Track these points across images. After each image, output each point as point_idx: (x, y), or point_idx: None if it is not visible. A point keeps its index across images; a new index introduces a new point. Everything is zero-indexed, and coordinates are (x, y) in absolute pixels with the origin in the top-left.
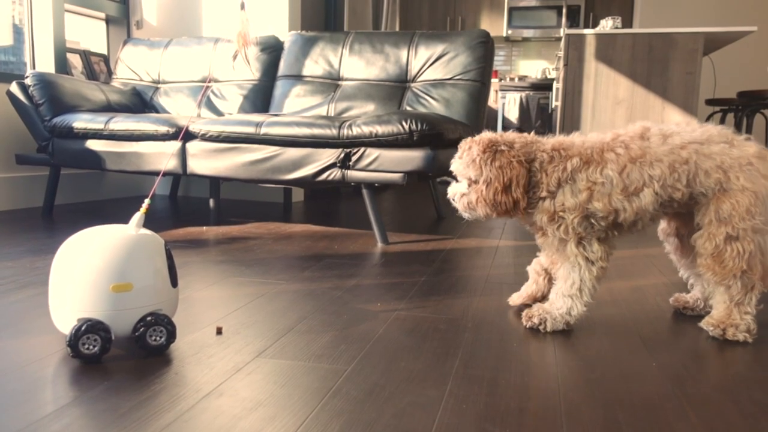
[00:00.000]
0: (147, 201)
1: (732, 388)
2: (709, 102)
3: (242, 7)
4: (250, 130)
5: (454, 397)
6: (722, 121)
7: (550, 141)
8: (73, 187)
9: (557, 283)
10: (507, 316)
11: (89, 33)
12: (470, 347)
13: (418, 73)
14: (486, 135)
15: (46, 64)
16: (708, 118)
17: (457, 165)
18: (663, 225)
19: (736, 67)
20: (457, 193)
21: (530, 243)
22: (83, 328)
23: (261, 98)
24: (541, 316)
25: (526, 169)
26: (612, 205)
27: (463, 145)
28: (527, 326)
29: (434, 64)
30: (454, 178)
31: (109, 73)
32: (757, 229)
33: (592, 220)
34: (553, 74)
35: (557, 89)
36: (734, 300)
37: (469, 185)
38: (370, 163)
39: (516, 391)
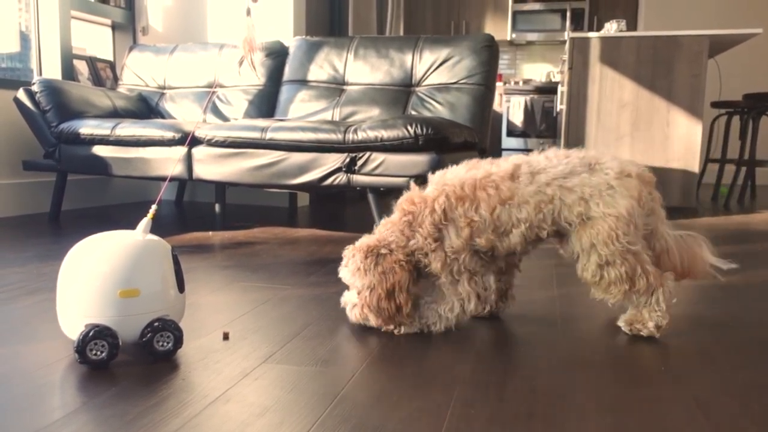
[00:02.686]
0: (154, 207)
1: (742, 393)
2: (715, 104)
3: (248, 13)
4: (256, 135)
5: (462, 402)
6: (728, 123)
7: (400, 206)
8: (79, 192)
9: (437, 298)
10: (514, 320)
11: (95, 39)
12: (477, 352)
13: (422, 77)
14: (366, 240)
15: (52, 70)
16: (714, 121)
17: (344, 273)
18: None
19: (741, 69)
20: (348, 303)
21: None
22: (91, 333)
23: (266, 103)
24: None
25: (410, 272)
26: (489, 242)
27: (347, 253)
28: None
29: (439, 69)
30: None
31: (115, 79)
32: (628, 248)
33: (481, 254)
34: (557, 77)
35: (562, 93)
36: (640, 305)
37: (359, 294)
38: (376, 168)
39: (524, 395)
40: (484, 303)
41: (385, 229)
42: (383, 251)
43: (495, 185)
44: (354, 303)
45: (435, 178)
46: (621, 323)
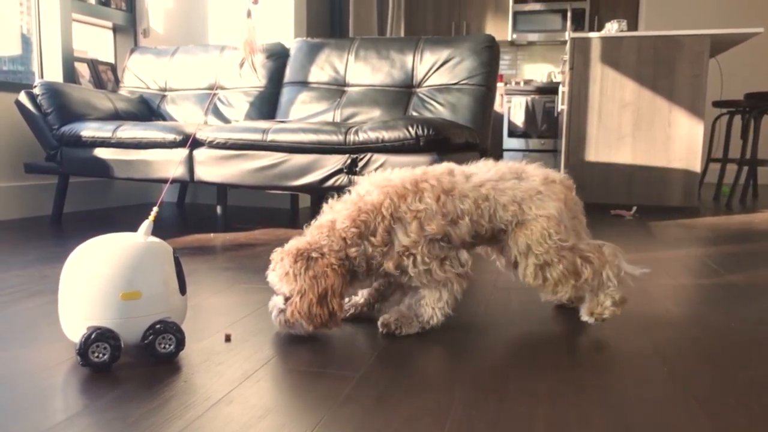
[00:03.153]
0: (155, 209)
1: (744, 393)
2: (716, 104)
3: (249, 15)
4: (257, 136)
5: (464, 403)
6: (729, 123)
7: (347, 212)
8: (81, 195)
9: (423, 293)
10: (515, 321)
11: (97, 42)
12: (479, 352)
13: (423, 78)
14: (295, 243)
15: (54, 73)
16: (715, 120)
17: (272, 278)
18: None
19: (743, 68)
20: (274, 308)
21: None
22: (93, 336)
23: (267, 105)
24: (398, 322)
25: (343, 276)
26: (441, 228)
27: (275, 256)
28: (383, 333)
29: (440, 69)
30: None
31: (117, 81)
32: (561, 246)
33: (440, 243)
34: (558, 78)
35: (563, 93)
36: (595, 289)
37: (286, 300)
38: (377, 169)
39: (526, 396)
40: (467, 279)
41: (319, 233)
42: (314, 254)
43: (436, 178)
44: (281, 308)
45: (376, 180)
46: (584, 317)
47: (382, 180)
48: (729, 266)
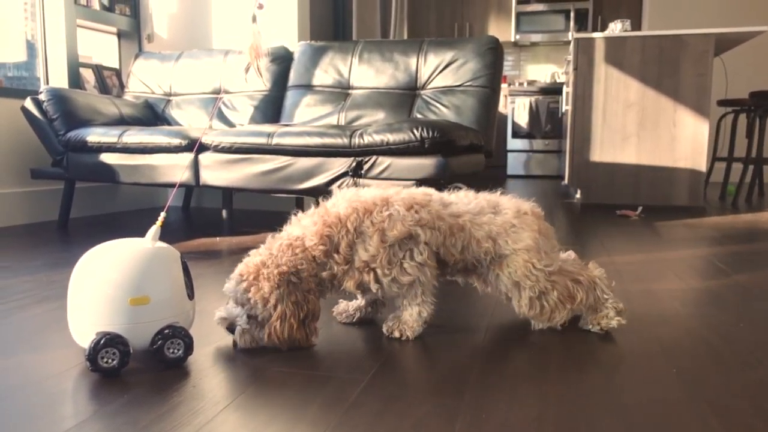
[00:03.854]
0: (162, 214)
1: (753, 394)
2: (721, 103)
3: (254, 20)
4: (262, 140)
5: (473, 407)
6: (735, 122)
7: (314, 228)
8: (87, 200)
9: (402, 302)
10: (521, 324)
11: (101, 47)
12: (486, 356)
13: (427, 80)
14: (256, 260)
15: (59, 79)
16: (720, 119)
17: (239, 296)
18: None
19: (748, 67)
20: (234, 325)
21: None
22: (102, 341)
23: (272, 109)
24: (400, 328)
25: (318, 299)
26: (405, 231)
27: (246, 274)
28: (390, 336)
29: (444, 71)
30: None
31: (122, 86)
32: (549, 272)
33: (402, 243)
34: (562, 78)
35: (567, 93)
36: (592, 308)
37: (250, 318)
38: (382, 172)
39: (534, 399)
40: (443, 267)
41: (291, 252)
42: (293, 279)
43: (410, 195)
44: (244, 327)
45: (347, 195)
46: (590, 327)
47: (352, 195)
48: (736, 266)
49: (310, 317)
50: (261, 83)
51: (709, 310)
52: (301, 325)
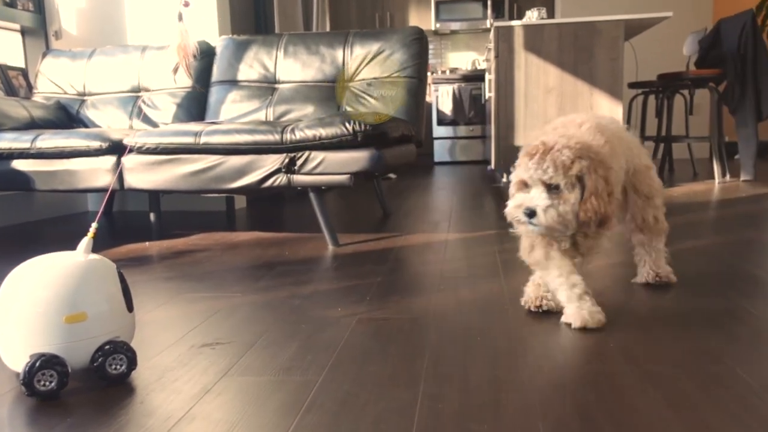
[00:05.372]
0: (94, 225)
1: (685, 362)
2: (632, 85)
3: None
4: (189, 140)
5: (429, 398)
6: (645, 103)
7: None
8: (0, 210)
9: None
10: (466, 310)
11: (4, 46)
12: (436, 345)
13: (355, 72)
14: (575, 138)
15: None
16: (632, 101)
17: (531, 172)
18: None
19: (655, 51)
20: (538, 206)
21: (477, 235)
22: (37, 364)
23: (196, 106)
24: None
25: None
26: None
27: (533, 149)
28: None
29: (371, 63)
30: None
31: (29, 87)
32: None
33: None
34: (482, 65)
35: (490, 80)
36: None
37: (552, 192)
38: (316, 167)
39: (488, 384)
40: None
41: (568, 124)
42: (591, 155)
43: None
44: (548, 204)
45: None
46: (645, 279)
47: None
48: None
49: (611, 197)
50: (183, 79)
51: (623, 293)
52: (609, 203)
